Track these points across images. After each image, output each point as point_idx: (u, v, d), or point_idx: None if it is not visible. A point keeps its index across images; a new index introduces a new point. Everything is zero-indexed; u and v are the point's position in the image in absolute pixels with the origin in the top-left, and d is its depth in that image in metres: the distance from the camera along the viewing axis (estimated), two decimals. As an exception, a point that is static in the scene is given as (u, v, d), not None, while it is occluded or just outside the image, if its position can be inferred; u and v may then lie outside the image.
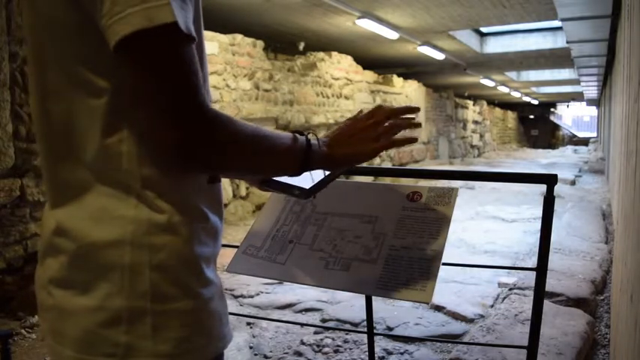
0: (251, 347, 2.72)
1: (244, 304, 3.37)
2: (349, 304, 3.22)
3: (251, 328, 2.96)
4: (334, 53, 8.38)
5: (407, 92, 11.57)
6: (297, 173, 0.84)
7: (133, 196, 0.72)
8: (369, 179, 1.75)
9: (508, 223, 5.92)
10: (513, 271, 3.84)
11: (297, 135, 0.83)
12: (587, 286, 3.40)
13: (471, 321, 3.00)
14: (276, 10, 6.36)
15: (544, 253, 1.17)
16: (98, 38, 0.66)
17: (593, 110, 29.09)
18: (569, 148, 24.03)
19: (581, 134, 33.57)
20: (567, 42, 6.88)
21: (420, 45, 8.61)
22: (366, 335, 1.62)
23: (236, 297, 3.46)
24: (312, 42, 8.23)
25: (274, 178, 0.89)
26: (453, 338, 2.79)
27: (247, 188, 6.38)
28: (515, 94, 20.13)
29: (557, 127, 33.90)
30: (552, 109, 31.92)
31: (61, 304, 0.73)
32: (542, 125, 31.78)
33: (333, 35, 7.93)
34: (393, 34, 7.46)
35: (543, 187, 1.19)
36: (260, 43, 6.57)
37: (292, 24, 7.16)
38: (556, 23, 7.26)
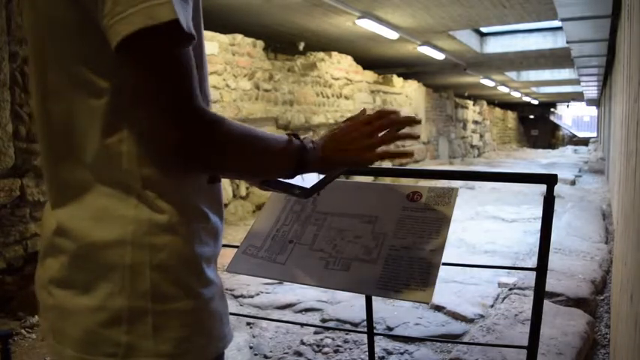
0: (251, 347, 2.72)
1: (244, 304, 3.37)
2: (349, 304, 3.22)
3: (251, 328, 2.96)
4: (334, 53, 8.38)
5: (407, 92, 11.57)
6: (293, 174, 0.84)
7: (134, 196, 0.72)
8: (369, 179, 1.75)
9: (508, 223, 5.92)
10: (513, 271, 3.84)
11: (292, 136, 0.83)
12: (587, 286, 3.40)
13: (471, 321, 3.00)
14: (276, 10, 6.36)
15: (544, 253, 1.18)
16: (99, 38, 0.66)
17: (593, 110, 29.08)
18: (569, 148, 24.03)
19: (581, 134, 33.56)
20: (567, 42, 6.88)
21: (420, 45, 8.61)
22: (366, 335, 1.62)
23: (236, 297, 3.46)
24: (312, 42, 8.23)
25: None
26: (453, 338, 2.79)
27: (247, 188, 6.38)
28: (515, 94, 20.13)
29: (557, 127, 33.90)
30: (552, 109, 31.92)
31: (62, 304, 0.73)
32: (542, 125, 31.78)
33: (333, 35, 7.93)
34: (393, 34, 7.46)
35: (543, 187, 1.19)
36: (260, 43, 6.57)
37: (292, 24, 7.16)
38: (556, 23, 7.26)
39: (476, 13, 6.78)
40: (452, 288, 3.52)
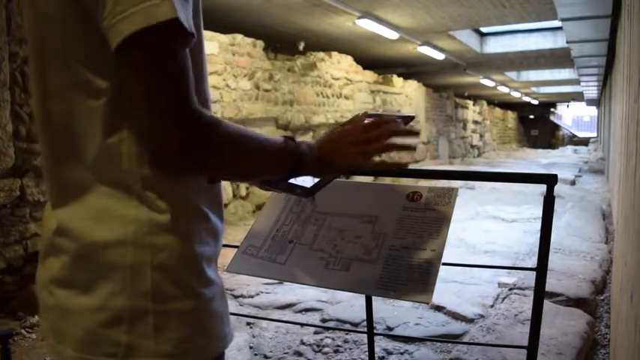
0: (251, 347, 2.72)
1: (244, 304, 3.37)
2: (349, 304, 3.22)
3: (251, 328, 2.96)
4: (334, 53, 8.38)
5: (407, 92, 11.57)
6: (288, 176, 0.84)
7: (134, 197, 0.72)
8: (369, 179, 1.75)
9: (508, 223, 5.92)
10: (513, 271, 3.84)
11: (288, 138, 0.83)
12: (587, 286, 3.40)
13: (471, 321, 3.00)
14: (276, 10, 6.36)
15: (544, 253, 1.18)
16: (99, 38, 0.66)
17: (593, 110, 29.08)
18: (569, 148, 24.04)
19: (581, 134, 33.56)
20: (567, 42, 6.88)
21: (420, 45, 8.61)
22: (366, 335, 1.62)
23: (236, 297, 3.46)
24: (312, 42, 8.23)
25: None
26: (453, 338, 2.79)
27: (247, 188, 6.38)
28: (515, 94, 20.13)
29: (557, 127, 33.89)
30: (552, 109, 31.91)
31: (63, 304, 0.74)
32: (542, 125, 31.78)
33: (333, 35, 7.93)
34: (393, 34, 7.46)
35: (543, 187, 1.19)
36: (260, 43, 6.57)
37: (292, 24, 7.16)
38: (556, 23, 7.26)
39: (476, 13, 6.78)
40: (452, 288, 3.52)
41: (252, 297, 3.45)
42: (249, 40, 6.37)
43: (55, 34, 0.71)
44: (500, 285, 3.61)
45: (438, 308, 3.15)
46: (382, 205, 1.18)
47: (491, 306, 3.24)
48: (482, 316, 3.06)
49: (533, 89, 19.50)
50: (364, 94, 9.45)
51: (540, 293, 1.19)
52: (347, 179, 1.35)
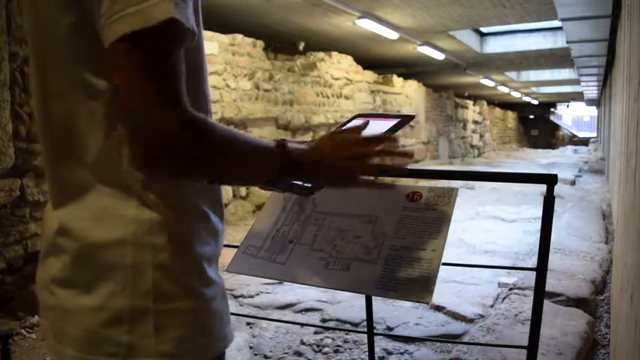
0: (251, 347, 2.72)
1: (244, 304, 3.37)
2: (349, 304, 3.22)
3: (251, 328, 2.96)
4: (334, 53, 8.38)
5: (407, 92, 11.57)
6: (279, 176, 0.80)
7: (134, 197, 0.72)
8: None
9: (508, 223, 5.92)
10: (513, 271, 3.84)
11: (279, 143, 0.79)
12: (587, 286, 3.41)
13: (471, 321, 3.00)
14: (276, 10, 6.36)
15: (544, 253, 1.17)
16: (98, 39, 0.66)
17: (593, 110, 29.08)
18: (569, 148, 24.03)
19: (581, 134, 33.56)
20: (567, 42, 6.88)
21: (420, 45, 8.61)
22: (366, 335, 1.62)
23: (236, 297, 3.46)
24: (312, 42, 8.23)
25: None
26: (453, 338, 2.79)
27: (247, 188, 6.38)
28: (515, 94, 20.13)
29: (557, 127, 33.90)
30: (552, 109, 31.92)
31: (64, 304, 0.74)
32: (542, 125, 31.78)
33: (333, 35, 7.93)
34: (393, 34, 7.46)
35: (543, 187, 1.18)
36: (260, 43, 6.57)
37: (292, 24, 7.16)
38: (556, 23, 7.25)
39: (476, 13, 6.78)
40: (452, 288, 3.52)
41: (252, 297, 3.45)
42: (249, 40, 6.37)
43: (55, 34, 0.71)
44: (500, 285, 3.61)
45: (438, 308, 3.15)
46: (382, 205, 1.18)
47: (491, 306, 3.24)
48: (482, 316, 3.06)
49: (533, 89, 19.50)
50: (364, 94, 9.45)
51: (540, 293, 1.19)
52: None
